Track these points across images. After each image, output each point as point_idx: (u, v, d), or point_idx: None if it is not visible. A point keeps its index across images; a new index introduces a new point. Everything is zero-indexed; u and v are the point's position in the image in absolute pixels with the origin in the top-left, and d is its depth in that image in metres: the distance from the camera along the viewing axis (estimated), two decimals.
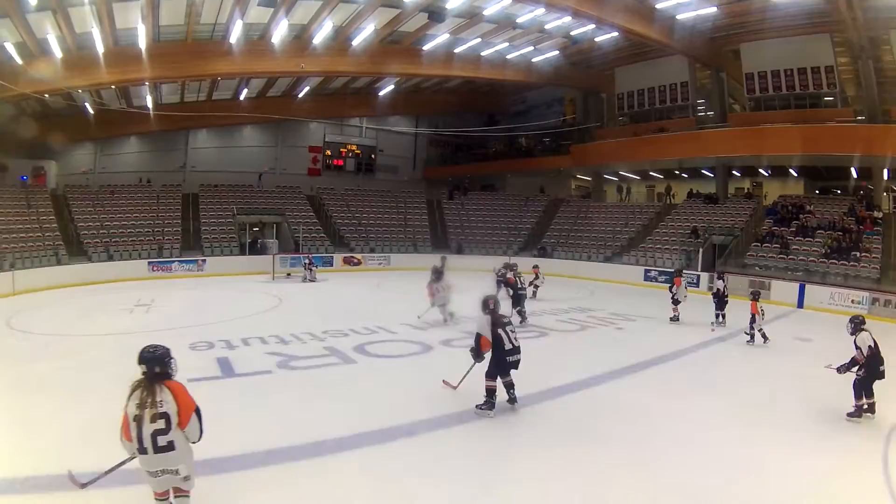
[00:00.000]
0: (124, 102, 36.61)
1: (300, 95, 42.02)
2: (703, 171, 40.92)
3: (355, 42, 31.41)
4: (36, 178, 37.52)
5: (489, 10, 28.56)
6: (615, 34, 31.21)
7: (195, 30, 28.58)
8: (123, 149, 43.52)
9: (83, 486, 5.72)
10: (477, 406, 9.67)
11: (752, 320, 15.94)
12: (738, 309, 18.31)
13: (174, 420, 5.37)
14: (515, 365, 9.50)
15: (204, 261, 33.40)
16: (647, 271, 32.08)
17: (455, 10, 28.02)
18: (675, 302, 19.41)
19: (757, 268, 29.07)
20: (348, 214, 42.38)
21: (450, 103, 48.39)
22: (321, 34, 29.97)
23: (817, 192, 37.43)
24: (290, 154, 47.29)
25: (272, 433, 8.69)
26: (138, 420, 5.29)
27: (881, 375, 9.86)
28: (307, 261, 31.73)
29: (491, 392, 9.57)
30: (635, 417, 9.98)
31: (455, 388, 10.71)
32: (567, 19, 29.42)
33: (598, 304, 22.81)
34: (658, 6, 27.59)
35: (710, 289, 21.10)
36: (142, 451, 5.33)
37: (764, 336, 16.01)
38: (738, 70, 34.70)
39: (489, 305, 9.74)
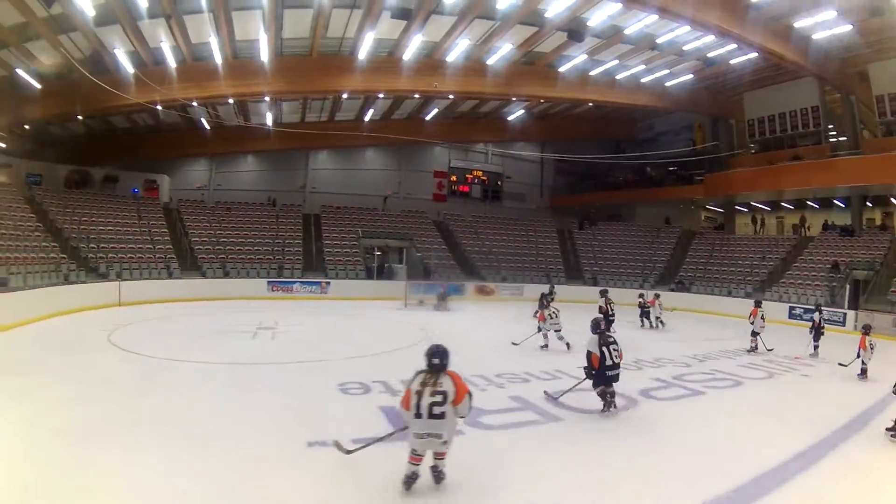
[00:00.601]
0: (241, 119, 35.06)
1: (428, 118, 39.84)
2: (834, 201, 38.11)
3: (490, 61, 29.24)
4: (148, 191, 36.53)
5: (630, 29, 26.23)
6: (751, 56, 28.99)
7: (321, 44, 26.73)
8: (240, 167, 42.21)
9: (349, 452, 7.30)
10: (601, 411, 10.51)
11: (858, 354, 14.92)
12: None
13: (450, 398, 6.64)
14: (615, 378, 10.38)
15: (328, 283, 31.66)
16: (791, 308, 28.56)
17: (596, 29, 25.97)
18: (753, 334, 18.70)
19: None
20: (477, 242, 40.37)
21: (576, 130, 45.38)
22: (454, 52, 28.05)
23: None
24: (413, 178, 45.03)
25: None
26: (419, 394, 6.62)
27: None
28: (442, 290, 29.55)
29: (603, 394, 10.49)
30: None
31: (556, 398, 11.29)
32: (706, 39, 27.47)
33: (785, 349, 19.24)
34: (796, 24, 25.45)
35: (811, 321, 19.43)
36: (417, 416, 6.58)
37: (863, 371, 14.90)
38: (866, 92, 31.88)
39: (599, 326, 10.73)
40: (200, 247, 31.73)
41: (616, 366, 10.25)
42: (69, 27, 22.04)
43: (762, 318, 18.71)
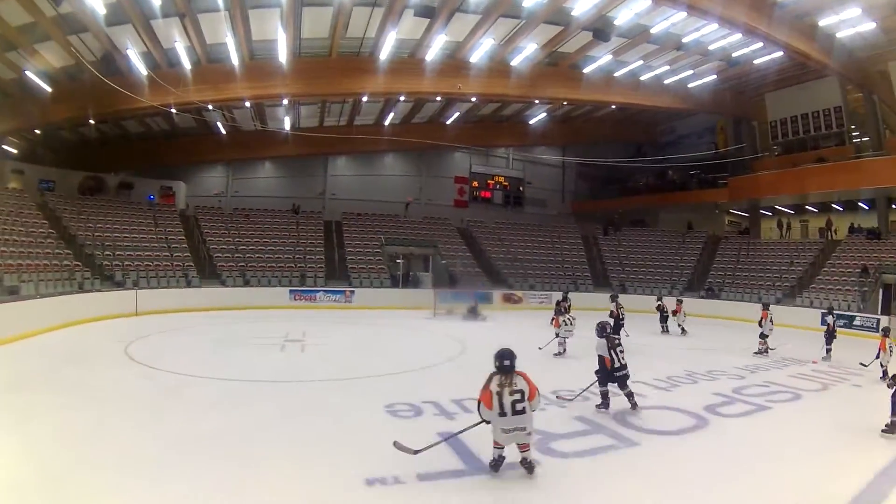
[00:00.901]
0: (258, 123, 33.64)
1: (449, 122, 38.22)
2: (858, 203, 36.49)
3: (514, 62, 27.82)
4: (163, 198, 35.13)
5: (657, 28, 24.99)
6: (775, 55, 27.99)
7: (340, 44, 25.35)
8: (258, 173, 40.75)
9: (416, 452, 7.43)
10: (597, 406, 10.66)
11: (877, 355, 14.70)
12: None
13: (526, 394, 7.21)
14: (624, 378, 10.57)
15: (352, 292, 30.15)
16: (823, 314, 25.95)
17: (622, 28, 24.76)
18: (763, 336, 18.32)
19: None
20: (502, 249, 38.63)
21: (597, 133, 43.28)
22: (478, 53, 26.67)
23: None
24: (434, 184, 43.37)
25: None
26: (499, 394, 7.11)
27: None
28: (474, 302, 27.81)
29: (605, 395, 10.70)
30: None
31: (571, 401, 11.16)
32: (732, 39, 26.49)
33: (807, 354, 17.98)
34: (821, 23, 24.63)
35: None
36: (502, 414, 7.07)
37: (885, 373, 14.13)
38: (887, 91, 30.22)
39: (606, 330, 10.86)
40: (219, 255, 30.31)
41: (624, 367, 10.58)
42: (79, 27, 20.95)
43: (770, 320, 18.40)
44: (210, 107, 28.39)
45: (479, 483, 7.07)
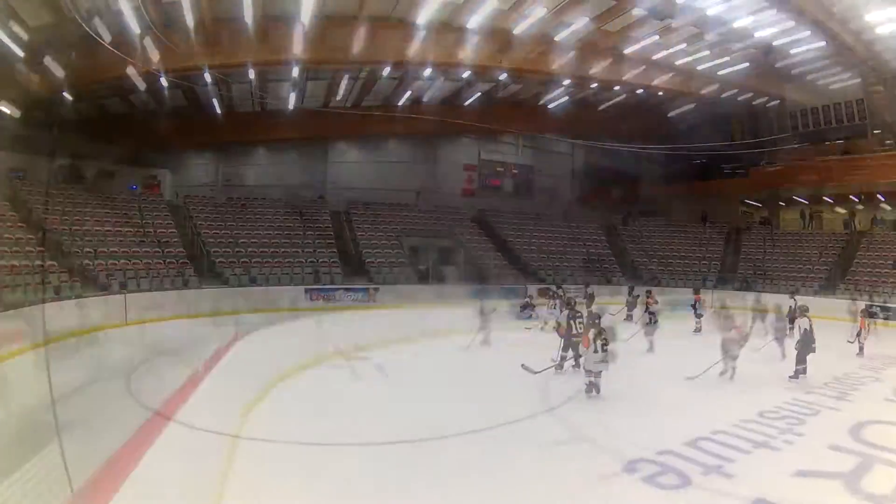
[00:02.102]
0: (262, 94, 27.41)
1: (467, 104, 31.54)
2: (877, 195, 32.56)
3: (557, 37, 22.79)
4: (148, 189, 28.56)
5: (713, 10, 20.96)
6: (815, 45, 24.09)
7: (372, 2, 19.67)
8: (250, 160, 33.44)
9: (536, 373, 10.38)
10: (555, 369, 11.53)
11: (858, 333, 15.35)
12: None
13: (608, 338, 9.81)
14: (577, 344, 11.37)
15: (376, 289, 24.38)
16: (868, 307, 22.35)
17: (681, 7, 20.91)
18: (698, 315, 19.38)
19: None
20: (523, 239, 32.80)
21: (607, 121, 36.83)
22: (523, 24, 21.33)
23: None
24: (441, 172, 36.53)
25: None
26: (595, 339, 9.55)
27: (812, 350, 11.87)
28: (529, 299, 23.26)
29: (563, 359, 11.78)
30: None
31: (536, 373, 10.85)
32: (779, 27, 22.63)
33: (884, 350, 15.31)
34: (867, 17, 21.78)
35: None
36: (596, 351, 9.53)
37: (861, 350, 15.20)
38: None
39: (571, 304, 12.89)
40: (217, 249, 24.07)
41: (578, 335, 11.43)
42: None
43: (703, 302, 19.79)
44: (208, 77, 22.22)
45: None
